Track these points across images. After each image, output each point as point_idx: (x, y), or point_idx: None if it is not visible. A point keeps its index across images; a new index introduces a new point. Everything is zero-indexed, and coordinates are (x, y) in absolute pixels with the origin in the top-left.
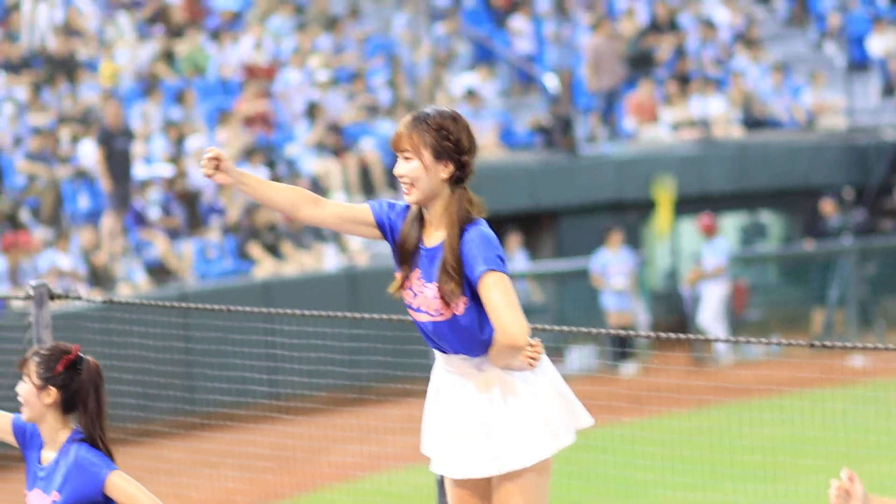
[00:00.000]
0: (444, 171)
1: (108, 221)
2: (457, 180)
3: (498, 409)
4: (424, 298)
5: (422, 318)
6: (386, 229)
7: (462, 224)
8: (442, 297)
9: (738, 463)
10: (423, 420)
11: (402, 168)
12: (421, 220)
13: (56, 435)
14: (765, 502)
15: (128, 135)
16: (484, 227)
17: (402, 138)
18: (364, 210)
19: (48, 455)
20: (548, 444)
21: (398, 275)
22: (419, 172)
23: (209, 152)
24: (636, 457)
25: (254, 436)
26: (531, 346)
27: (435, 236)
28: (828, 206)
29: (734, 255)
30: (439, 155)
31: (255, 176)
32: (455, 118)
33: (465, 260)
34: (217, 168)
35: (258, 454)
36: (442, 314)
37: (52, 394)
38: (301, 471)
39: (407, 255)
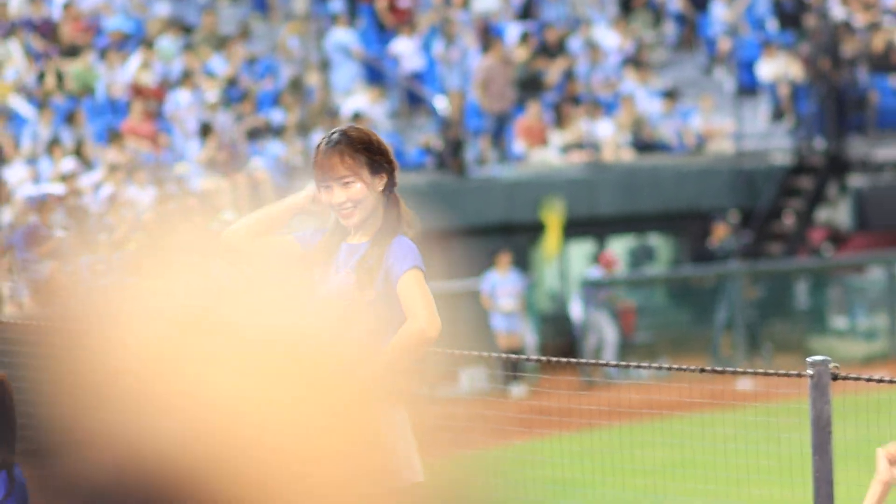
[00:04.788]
0: (381, 183)
1: None
2: (389, 188)
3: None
4: (332, 284)
5: None
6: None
7: (394, 233)
8: (356, 283)
9: (628, 485)
10: None
11: (344, 194)
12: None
13: None
14: None
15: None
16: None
17: (336, 166)
18: (292, 245)
19: None
20: (398, 469)
21: None
22: (363, 193)
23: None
24: (526, 479)
25: None
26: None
27: (360, 236)
28: (717, 230)
29: (622, 278)
30: (375, 170)
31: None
32: (368, 130)
33: (390, 256)
34: None
35: None
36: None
37: None
38: None
39: (326, 257)
